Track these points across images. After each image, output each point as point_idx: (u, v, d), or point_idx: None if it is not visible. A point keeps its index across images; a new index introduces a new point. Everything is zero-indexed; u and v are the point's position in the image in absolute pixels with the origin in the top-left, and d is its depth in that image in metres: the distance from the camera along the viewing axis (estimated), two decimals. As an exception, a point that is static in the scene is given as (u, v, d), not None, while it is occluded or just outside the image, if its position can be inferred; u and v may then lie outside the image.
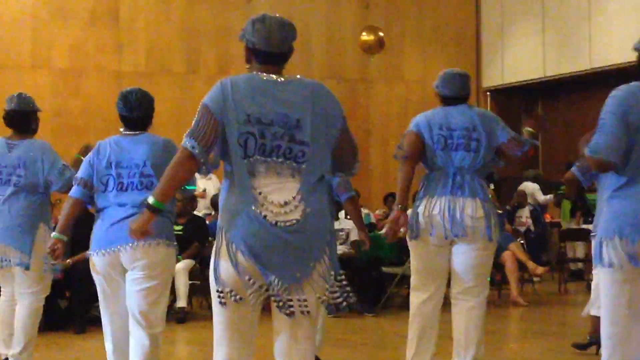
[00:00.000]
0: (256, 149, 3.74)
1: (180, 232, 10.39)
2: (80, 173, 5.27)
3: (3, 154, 6.23)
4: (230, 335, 3.82)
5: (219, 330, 3.83)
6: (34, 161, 6.27)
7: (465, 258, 5.71)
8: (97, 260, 5.19)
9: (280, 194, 3.75)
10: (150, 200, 3.84)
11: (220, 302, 3.76)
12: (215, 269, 3.75)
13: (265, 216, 3.71)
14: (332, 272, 3.80)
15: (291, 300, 3.75)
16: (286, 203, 3.74)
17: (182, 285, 10.01)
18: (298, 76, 3.97)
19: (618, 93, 4.19)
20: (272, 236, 3.72)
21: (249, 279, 3.70)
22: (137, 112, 5.31)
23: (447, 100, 5.93)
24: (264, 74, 3.85)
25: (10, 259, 6.24)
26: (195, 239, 10.37)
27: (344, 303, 3.82)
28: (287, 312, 3.76)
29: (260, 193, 3.73)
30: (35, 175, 6.19)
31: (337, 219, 10.92)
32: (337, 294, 3.81)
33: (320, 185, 3.84)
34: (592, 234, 4.29)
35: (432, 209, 5.67)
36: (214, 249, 3.82)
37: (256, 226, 3.72)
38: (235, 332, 3.83)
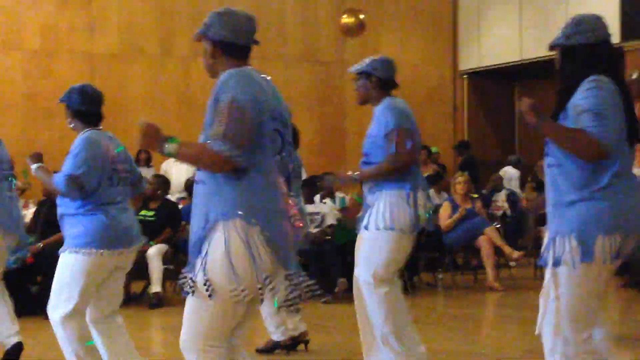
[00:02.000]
0: (283, 147, 3.81)
1: (153, 217, 10.40)
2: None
3: None
4: (226, 331, 3.86)
5: (211, 323, 3.83)
6: None
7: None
8: (109, 259, 5.30)
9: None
10: None
11: (237, 301, 3.74)
12: (233, 266, 3.68)
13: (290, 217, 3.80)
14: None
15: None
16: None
17: (156, 271, 10.00)
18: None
19: (609, 86, 4.19)
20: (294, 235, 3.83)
21: (266, 278, 3.71)
22: (97, 107, 5.43)
23: (386, 87, 5.99)
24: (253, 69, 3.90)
25: None
26: (167, 224, 10.37)
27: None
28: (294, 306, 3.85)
29: (284, 192, 3.80)
30: None
31: (312, 202, 10.94)
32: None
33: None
34: (556, 229, 4.23)
35: (415, 202, 5.76)
36: (227, 244, 3.71)
37: (289, 225, 3.80)
38: (228, 329, 3.87)
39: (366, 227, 5.78)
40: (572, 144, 4.12)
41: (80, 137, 5.34)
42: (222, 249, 3.68)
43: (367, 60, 6.05)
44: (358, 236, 5.96)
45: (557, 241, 4.16)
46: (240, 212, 3.68)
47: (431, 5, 17.56)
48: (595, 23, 4.30)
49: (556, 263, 4.15)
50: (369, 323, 5.82)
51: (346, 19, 14.84)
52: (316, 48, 16.37)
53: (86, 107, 5.38)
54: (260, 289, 3.71)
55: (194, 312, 3.83)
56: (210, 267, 3.70)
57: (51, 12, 14.86)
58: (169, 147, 3.71)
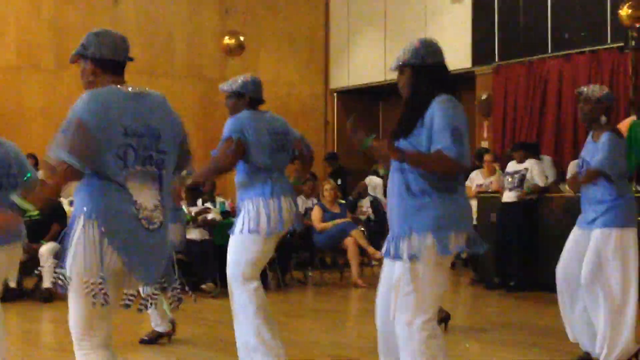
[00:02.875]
0: (136, 160, 3.73)
1: (38, 216, 10.13)
2: None
3: None
4: (95, 322, 3.77)
5: (81, 315, 3.75)
6: None
7: None
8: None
9: (150, 200, 3.78)
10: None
11: (90, 293, 3.64)
12: (80, 259, 3.64)
13: (141, 219, 3.73)
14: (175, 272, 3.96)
15: (148, 297, 3.81)
16: (155, 207, 3.79)
17: (48, 267, 9.79)
18: (146, 88, 3.96)
19: (459, 104, 4.31)
20: (145, 238, 3.74)
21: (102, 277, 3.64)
22: None
23: (255, 104, 6.01)
24: (120, 86, 3.84)
25: None
26: (53, 221, 10.14)
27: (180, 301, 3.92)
28: (141, 307, 3.81)
29: (136, 200, 3.73)
30: None
31: (195, 205, 10.91)
32: (178, 292, 3.91)
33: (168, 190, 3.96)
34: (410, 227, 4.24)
35: (278, 207, 5.78)
36: (77, 238, 3.68)
37: (134, 226, 3.73)
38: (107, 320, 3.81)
39: (232, 232, 5.80)
40: (436, 167, 4.16)
41: None
42: (74, 242, 3.66)
43: (239, 81, 6.06)
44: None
45: (413, 238, 4.16)
46: (84, 209, 3.68)
47: (306, 29, 17.61)
48: (439, 46, 4.37)
49: (412, 257, 4.14)
50: (235, 317, 5.77)
51: (228, 40, 14.83)
52: (201, 65, 16.26)
53: None
54: (100, 284, 3.63)
55: (70, 305, 3.76)
56: (69, 260, 3.66)
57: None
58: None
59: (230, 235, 5.84)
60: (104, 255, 3.63)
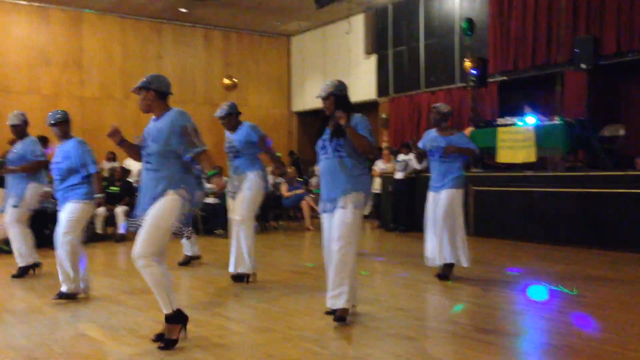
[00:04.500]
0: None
1: (118, 190, 10.14)
2: None
3: None
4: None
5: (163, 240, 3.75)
6: None
7: None
8: None
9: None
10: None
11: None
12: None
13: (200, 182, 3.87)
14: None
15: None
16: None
17: (120, 219, 9.76)
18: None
19: (366, 118, 4.37)
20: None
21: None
22: None
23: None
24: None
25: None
26: (126, 195, 10.13)
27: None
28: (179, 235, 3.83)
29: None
30: None
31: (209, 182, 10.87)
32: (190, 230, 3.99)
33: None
34: (345, 189, 4.24)
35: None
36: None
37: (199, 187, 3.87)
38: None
39: (246, 189, 5.69)
40: (363, 144, 4.21)
41: None
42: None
43: (225, 107, 6.04)
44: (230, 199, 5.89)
45: (354, 195, 4.18)
46: (182, 185, 3.74)
47: (275, 72, 17.59)
48: (346, 85, 4.43)
49: (355, 207, 4.17)
50: (239, 246, 5.76)
51: (227, 81, 14.78)
52: (212, 96, 16.21)
53: None
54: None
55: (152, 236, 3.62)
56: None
57: None
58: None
59: (236, 196, 5.77)
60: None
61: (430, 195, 5.99)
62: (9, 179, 6.23)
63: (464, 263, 5.86)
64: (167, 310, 3.69)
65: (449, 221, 5.79)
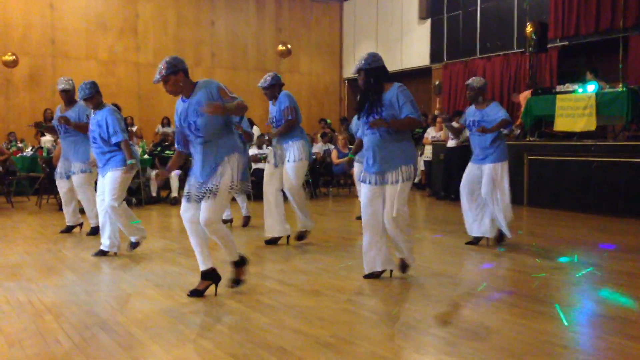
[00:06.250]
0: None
1: (173, 154, 10.34)
2: None
3: None
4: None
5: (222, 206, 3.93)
6: None
7: None
8: None
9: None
10: None
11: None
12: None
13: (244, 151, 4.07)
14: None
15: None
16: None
17: (174, 183, 10.01)
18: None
19: (406, 87, 4.32)
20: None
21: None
22: None
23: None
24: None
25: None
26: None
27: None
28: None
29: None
30: None
31: (260, 147, 11.02)
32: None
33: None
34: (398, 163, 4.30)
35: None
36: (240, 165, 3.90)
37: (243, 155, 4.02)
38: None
39: (288, 160, 5.88)
40: (407, 126, 4.22)
41: None
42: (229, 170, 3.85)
43: (268, 79, 5.98)
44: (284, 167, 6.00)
45: (404, 168, 4.22)
46: (238, 148, 3.90)
47: (327, 39, 17.52)
48: (379, 56, 4.33)
49: (405, 180, 4.21)
50: (298, 207, 5.92)
51: (281, 47, 14.80)
52: (264, 62, 16.29)
53: None
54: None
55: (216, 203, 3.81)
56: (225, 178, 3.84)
57: None
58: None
59: (285, 164, 5.89)
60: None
61: (470, 166, 5.93)
62: (70, 147, 6.47)
63: (508, 234, 5.83)
64: (234, 258, 4.11)
65: (494, 195, 5.75)
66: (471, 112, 5.94)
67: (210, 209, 3.80)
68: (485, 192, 5.77)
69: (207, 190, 3.82)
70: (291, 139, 5.90)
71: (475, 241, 6.01)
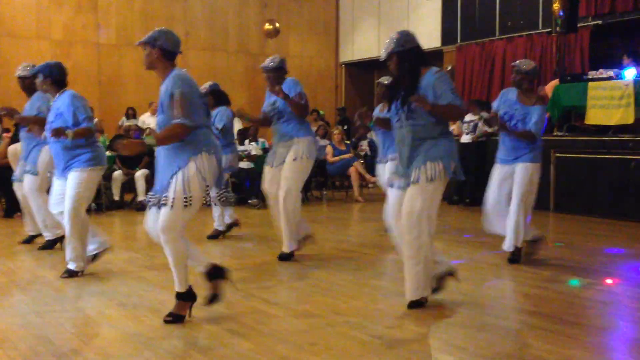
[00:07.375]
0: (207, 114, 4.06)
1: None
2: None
3: None
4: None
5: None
6: None
7: None
8: None
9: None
10: None
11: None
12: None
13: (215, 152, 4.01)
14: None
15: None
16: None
17: (141, 186, 9.98)
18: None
19: (445, 72, 4.27)
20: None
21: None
22: None
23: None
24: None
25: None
26: (145, 154, 10.20)
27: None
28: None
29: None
30: None
31: (243, 144, 11.02)
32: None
33: None
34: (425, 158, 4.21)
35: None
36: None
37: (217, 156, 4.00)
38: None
39: (294, 159, 5.82)
40: (450, 114, 4.18)
41: None
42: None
43: (277, 60, 6.05)
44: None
45: (429, 165, 4.14)
46: (203, 149, 3.88)
47: (322, 18, 17.49)
48: (412, 34, 4.27)
49: (430, 179, 4.11)
50: (285, 218, 5.85)
51: (268, 26, 14.78)
52: (248, 43, 16.25)
53: None
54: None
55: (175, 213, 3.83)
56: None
57: None
58: (148, 139, 3.92)
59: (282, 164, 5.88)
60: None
61: (498, 169, 5.81)
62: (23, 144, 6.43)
63: (519, 243, 5.74)
64: (182, 289, 3.97)
65: (529, 200, 5.66)
66: (510, 102, 5.74)
67: (166, 216, 3.82)
68: (519, 195, 5.61)
69: (163, 197, 3.84)
70: (301, 134, 5.86)
71: (515, 255, 5.76)
